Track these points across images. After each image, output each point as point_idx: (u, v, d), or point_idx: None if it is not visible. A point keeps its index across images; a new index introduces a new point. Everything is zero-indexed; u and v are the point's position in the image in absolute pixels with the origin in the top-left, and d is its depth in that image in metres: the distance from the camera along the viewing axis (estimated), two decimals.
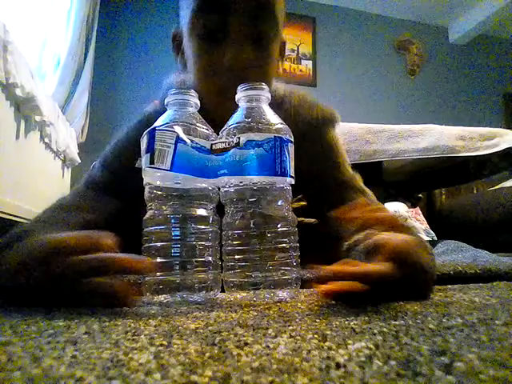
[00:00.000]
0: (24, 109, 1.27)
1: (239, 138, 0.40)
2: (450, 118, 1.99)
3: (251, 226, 0.40)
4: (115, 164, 0.62)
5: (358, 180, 0.67)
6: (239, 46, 0.52)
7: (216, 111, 0.51)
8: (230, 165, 0.40)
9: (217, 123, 0.45)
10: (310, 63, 3.24)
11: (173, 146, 0.39)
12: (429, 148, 1.36)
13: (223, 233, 0.42)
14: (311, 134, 0.66)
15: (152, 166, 0.40)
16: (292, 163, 0.42)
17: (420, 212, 2.32)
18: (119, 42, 2.74)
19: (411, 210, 2.24)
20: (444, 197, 2.56)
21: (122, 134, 0.65)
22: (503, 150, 1.35)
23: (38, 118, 1.37)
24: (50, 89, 1.84)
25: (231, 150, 0.40)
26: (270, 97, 0.45)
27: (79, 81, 2.12)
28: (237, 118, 0.43)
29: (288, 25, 3.19)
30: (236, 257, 0.40)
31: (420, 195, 2.10)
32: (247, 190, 0.41)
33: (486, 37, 3.66)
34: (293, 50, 3.21)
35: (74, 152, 1.93)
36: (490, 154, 1.36)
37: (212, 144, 0.42)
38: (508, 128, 1.48)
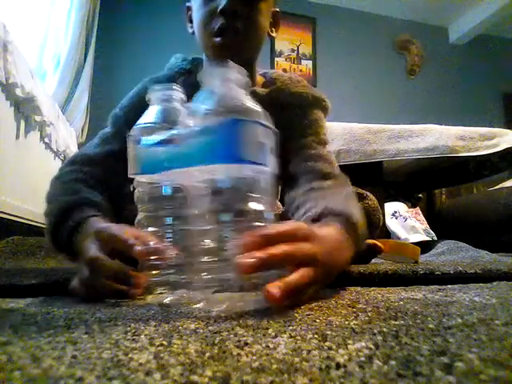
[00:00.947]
0: (24, 109, 1.27)
1: (195, 125, 0.37)
2: (450, 118, 1.99)
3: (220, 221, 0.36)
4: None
5: (330, 160, 0.69)
6: None
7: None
8: (186, 155, 0.37)
9: None
10: (309, 63, 3.24)
11: (135, 149, 0.40)
12: (429, 148, 1.36)
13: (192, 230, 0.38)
14: (300, 106, 0.72)
15: (130, 173, 0.41)
16: (258, 147, 0.36)
17: (420, 212, 2.32)
18: (119, 42, 2.73)
19: (411, 209, 2.24)
20: (444, 197, 2.56)
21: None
22: (503, 149, 1.35)
23: (38, 118, 1.37)
24: (50, 89, 1.84)
25: (188, 139, 0.37)
26: (236, 77, 0.39)
27: (79, 81, 2.12)
28: (196, 102, 0.39)
29: (288, 25, 3.19)
30: (205, 258, 0.35)
31: (420, 195, 2.10)
32: (212, 181, 0.37)
33: (486, 37, 3.66)
34: (293, 50, 3.21)
35: (73, 152, 1.93)
36: (490, 153, 1.36)
37: (172, 135, 0.39)
38: (508, 128, 1.48)
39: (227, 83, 0.38)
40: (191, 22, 0.74)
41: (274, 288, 0.30)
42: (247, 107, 0.37)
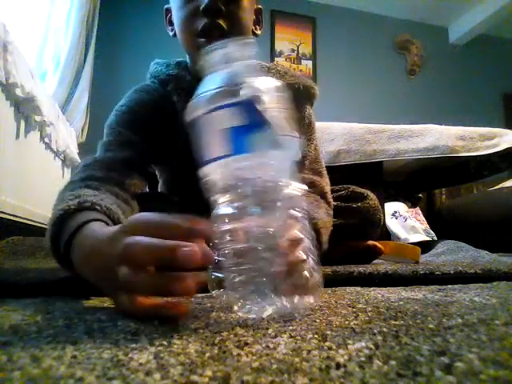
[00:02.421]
0: (24, 109, 1.27)
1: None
2: (449, 118, 1.99)
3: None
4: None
5: (319, 162, 0.76)
6: None
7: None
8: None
9: None
10: (309, 63, 3.24)
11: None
12: (429, 148, 1.36)
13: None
14: (292, 98, 0.70)
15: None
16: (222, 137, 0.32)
17: (420, 212, 2.33)
18: (119, 41, 2.74)
19: (411, 209, 2.24)
20: (444, 197, 2.56)
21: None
22: (503, 149, 1.35)
23: (38, 118, 1.37)
24: (50, 89, 1.84)
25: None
26: (241, 53, 0.35)
27: (79, 81, 2.12)
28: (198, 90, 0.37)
29: (288, 25, 3.19)
30: (238, 259, 0.31)
31: (420, 195, 2.10)
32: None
33: (486, 37, 3.66)
34: (293, 50, 3.21)
35: (74, 152, 1.93)
36: (490, 153, 1.36)
37: None
38: (508, 128, 1.48)
39: (229, 63, 0.34)
40: (170, 24, 0.71)
41: None
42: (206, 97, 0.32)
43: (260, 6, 0.73)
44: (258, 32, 0.73)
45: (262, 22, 0.74)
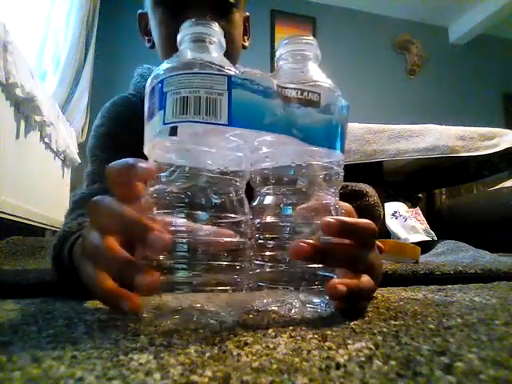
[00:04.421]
0: (24, 109, 1.27)
1: (320, 95, 0.31)
2: (449, 118, 1.99)
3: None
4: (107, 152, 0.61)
5: None
6: (201, 11, 0.55)
7: None
8: (302, 127, 0.29)
9: None
10: None
11: (226, 92, 0.27)
12: (429, 148, 1.36)
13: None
14: None
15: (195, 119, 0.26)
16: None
17: (420, 212, 2.32)
18: (119, 41, 2.74)
19: (411, 209, 2.24)
20: (444, 197, 2.56)
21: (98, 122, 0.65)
22: (503, 149, 1.35)
23: (38, 118, 1.37)
24: (50, 89, 1.84)
25: (306, 109, 0.30)
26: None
27: (79, 81, 2.12)
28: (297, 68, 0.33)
29: (288, 25, 3.19)
30: (266, 253, 0.31)
31: (420, 195, 2.10)
32: (290, 167, 0.32)
33: (486, 37, 3.66)
34: None
35: (73, 152, 1.93)
36: (490, 154, 1.36)
37: (280, 86, 0.29)
38: (508, 128, 1.48)
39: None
40: (146, 33, 0.64)
41: (340, 286, 0.27)
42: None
43: (247, 14, 0.68)
44: (246, 44, 0.68)
45: (249, 31, 0.70)
